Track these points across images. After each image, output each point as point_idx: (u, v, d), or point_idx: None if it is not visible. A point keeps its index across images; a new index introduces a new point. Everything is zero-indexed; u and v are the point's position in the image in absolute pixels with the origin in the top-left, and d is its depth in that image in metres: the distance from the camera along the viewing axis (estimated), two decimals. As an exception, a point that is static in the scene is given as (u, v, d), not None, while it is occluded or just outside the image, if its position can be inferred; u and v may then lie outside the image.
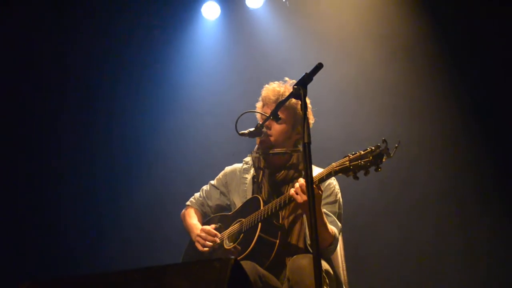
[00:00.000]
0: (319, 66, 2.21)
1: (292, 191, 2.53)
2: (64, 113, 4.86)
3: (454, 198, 4.16)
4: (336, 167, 2.41)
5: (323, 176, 2.48)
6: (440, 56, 4.39)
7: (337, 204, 2.84)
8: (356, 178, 2.31)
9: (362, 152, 2.28)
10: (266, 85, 3.04)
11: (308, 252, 2.64)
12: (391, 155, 2.20)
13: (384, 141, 2.21)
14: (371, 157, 2.23)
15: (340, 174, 2.40)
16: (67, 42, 4.87)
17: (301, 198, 2.48)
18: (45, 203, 4.66)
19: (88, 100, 4.94)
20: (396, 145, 2.18)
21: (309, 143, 2.12)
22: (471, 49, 4.31)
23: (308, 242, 2.68)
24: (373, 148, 2.25)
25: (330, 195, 2.84)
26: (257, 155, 2.99)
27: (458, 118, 4.29)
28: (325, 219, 2.64)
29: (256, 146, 3.03)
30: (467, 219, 4.08)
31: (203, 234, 2.95)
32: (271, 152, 2.91)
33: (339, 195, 2.90)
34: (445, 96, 4.34)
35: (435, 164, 4.28)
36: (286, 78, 3.01)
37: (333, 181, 2.89)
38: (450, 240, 4.09)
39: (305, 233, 2.77)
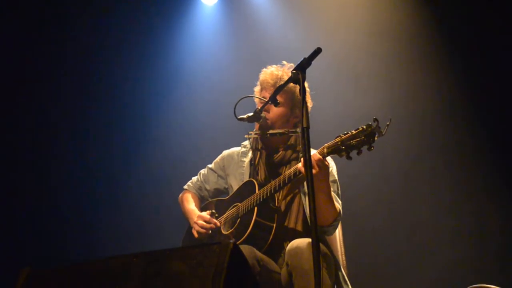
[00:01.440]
0: (317, 51, 2.20)
1: (299, 165, 2.52)
2: (60, 102, 4.81)
3: (451, 179, 4.14)
4: (328, 147, 2.42)
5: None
6: (441, 43, 4.36)
7: (336, 184, 2.84)
8: (349, 158, 2.32)
9: (354, 132, 2.29)
10: (264, 69, 3.03)
11: (307, 235, 2.63)
12: (383, 133, 2.21)
13: (375, 120, 2.22)
14: (363, 137, 2.24)
15: (333, 154, 2.41)
16: (63, 32, 4.81)
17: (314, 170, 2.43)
18: (43, 194, 4.62)
19: (85, 87, 4.88)
20: (388, 123, 2.20)
21: (308, 127, 2.12)
22: (472, 36, 4.26)
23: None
24: (364, 127, 2.26)
25: (329, 174, 2.81)
26: (255, 135, 2.99)
27: (458, 100, 4.26)
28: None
29: (255, 129, 3.02)
30: (463, 200, 4.08)
31: (200, 222, 2.95)
32: (268, 132, 2.90)
33: (337, 175, 2.89)
34: (444, 77, 4.32)
35: (434, 147, 4.26)
36: (284, 62, 2.99)
37: (330, 162, 2.89)
38: (444, 218, 4.09)
39: (304, 215, 2.77)
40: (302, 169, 2.49)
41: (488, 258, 3.88)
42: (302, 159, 2.51)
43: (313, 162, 2.43)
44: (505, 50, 4.12)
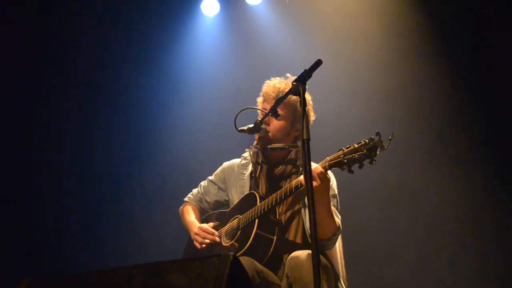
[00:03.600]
0: (318, 63, 2.21)
1: (301, 177, 2.52)
2: (63, 110, 4.85)
3: (455, 194, 4.15)
4: (330, 161, 2.42)
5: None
6: (445, 54, 4.39)
7: (335, 199, 2.84)
8: (350, 172, 2.32)
9: (356, 145, 2.29)
10: (267, 81, 3.04)
11: (307, 247, 2.62)
12: (385, 147, 2.22)
13: (378, 133, 2.22)
14: (365, 150, 2.24)
15: (335, 168, 2.41)
16: (65, 41, 4.87)
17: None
18: (44, 201, 4.64)
19: (88, 97, 4.92)
20: (390, 137, 2.20)
21: (308, 139, 2.12)
22: (471, 48, 4.30)
23: (309, 234, 2.64)
24: (366, 141, 2.26)
25: (329, 189, 2.81)
26: (256, 149, 2.99)
27: (456, 111, 4.29)
28: (332, 207, 2.64)
29: (255, 141, 3.02)
30: (468, 214, 4.09)
31: (201, 233, 2.95)
32: (269, 147, 2.91)
33: (337, 190, 2.89)
34: (443, 91, 4.34)
35: (433, 159, 4.28)
36: (288, 74, 2.99)
37: (331, 175, 2.88)
38: (447, 236, 4.10)
39: (303, 228, 2.77)
40: (303, 182, 2.48)
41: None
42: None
43: (315, 175, 2.44)
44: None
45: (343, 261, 3.00)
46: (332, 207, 2.67)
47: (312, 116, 3.01)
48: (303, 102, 2.19)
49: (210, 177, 3.29)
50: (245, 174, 3.09)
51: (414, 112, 4.40)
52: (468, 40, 4.31)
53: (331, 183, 2.81)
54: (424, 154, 4.31)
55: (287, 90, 2.81)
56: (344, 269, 2.96)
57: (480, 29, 4.27)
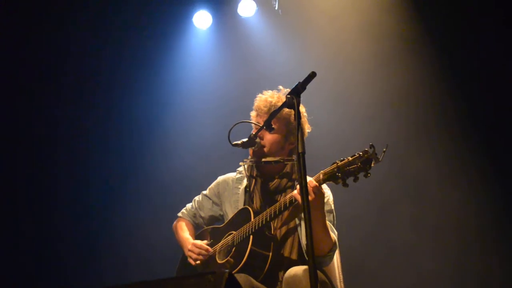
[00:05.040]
0: (312, 75, 2.22)
1: (295, 192, 2.53)
2: (58, 120, 4.90)
3: (455, 207, 4.17)
4: (324, 174, 2.42)
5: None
6: (435, 60, 4.45)
7: (332, 214, 2.83)
8: (345, 185, 2.31)
9: (350, 158, 2.29)
10: (260, 95, 3.05)
11: (302, 263, 2.63)
12: (380, 159, 2.22)
13: (372, 146, 2.23)
14: (359, 163, 2.24)
15: (329, 181, 2.41)
16: (60, 54, 4.92)
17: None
18: (37, 214, 4.68)
19: (82, 111, 4.96)
20: (384, 149, 2.20)
21: (304, 153, 2.12)
22: (467, 51, 4.36)
23: (305, 250, 2.65)
24: (361, 153, 2.26)
25: (325, 204, 2.79)
26: (250, 163, 2.99)
27: (454, 122, 4.33)
28: (327, 223, 2.63)
29: (250, 155, 3.02)
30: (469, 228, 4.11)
31: (194, 249, 2.95)
32: (263, 160, 2.91)
33: (333, 205, 2.88)
34: (440, 100, 4.40)
35: (435, 175, 4.30)
36: (280, 87, 3.01)
37: (327, 190, 2.88)
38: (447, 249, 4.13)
39: (299, 244, 2.76)
40: (298, 197, 2.49)
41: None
42: (298, 186, 2.50)
43: (309, 189, 2.43)
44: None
45: (341, 276, 2.99)
46: (328, 223, 2.66)
47: (308, 128, 3.02)
48: (298, 115, 2.19)
49: (204, 192, 3.29)
50: (239, 188, 3.09)
51: (411, 120, 4.43)
52: (464, 39, 4.35)
53: (326, 198, 2.82)
54: (425, 162, 4.32)
55: (279, 103, 2.87)
56: (343, 285, 2.96)
57: (474, 28, 4.32)
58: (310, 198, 2.43)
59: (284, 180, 2.94)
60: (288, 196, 2.62)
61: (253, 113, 3.08)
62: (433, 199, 4.25)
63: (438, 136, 4.37)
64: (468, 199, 4.14)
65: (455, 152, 4.28)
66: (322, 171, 2.45)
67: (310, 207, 2.26)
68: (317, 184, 2.47)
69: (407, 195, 4.29)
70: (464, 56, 4.35)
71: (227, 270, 1.87)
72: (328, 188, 2.92)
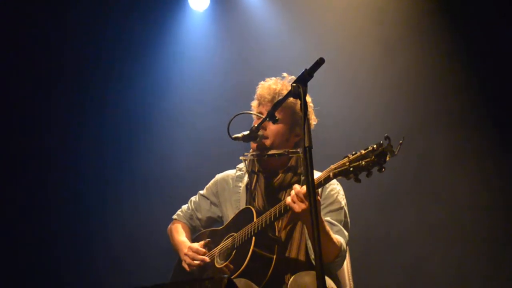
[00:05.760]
0: (320, 62, 2.12)
1: (288, 199, 2.44)
2: (52, 112, 4.88)
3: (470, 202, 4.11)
4: (334, 169, 2.30)
5: (321, 181, 2.38)
6: (451, 50, 4.38)
7: (342, 212, 2.76)
8: (357, 180, 2.20)
9: (363, 152, 2.17)
10: (262, 82, 2.96)
11: (310, 266, 2.57)
12: (396, 153, 2.09)
13: (387, 137, 2.10)
14: (373, 157, 2.12)
15: (340, 177, 2.31)
16: (53, 38, 4.91)
17: (299, 206, 2.37)
18: (31, 215, 4.68)
19: (75, 104, 4.94)
20: (400, 141, 2.08)
21: (310, 147, 2.03)
22: (480, 39, 4.30)
23: (312, 256, 2.60)
24: (375, 146, 2.14)
25: (334, 202, 2.76)
26: (252, 157, 2.91)
27: (467, 109, 4.28)
28: (328, 228, 2.55)
29: (251, 149, 2.93)
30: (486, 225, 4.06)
31: (190, 253, 2.88)
32: (266, 153, 2.83)
33: (344, 201, 2.81)
34: (452, 88, 4.34)
35: (448, 169, 4.23)
36: (284, 74, 2.93)
37: (336, 186, 2.82)
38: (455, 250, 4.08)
39: (306, 245, 2.69)
40: (292, 205, 2.40)
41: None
42: (292, 191, 2.43)
43: (302, 197, 2.36)
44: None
45: (351, 282, 2.93)
46: (336, 226, 2.62)
47: (314, 120, 2.94)
48: (304, 106, 2.10)
49: (201, 192, 3.22)
50: (240, 186, 3.01)
51: (425, 110, 4.36)
52: (478, 21, 4.30)
53: (335, 194, 2.77)
54: (442, 153, 4.28)
55: (284, 91, 2.80)
56: (353, 290, 2.89)
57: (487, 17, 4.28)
58: (304, 206, 2.36)
59: (289, 175, 2.86)
60: (283, 202, 2.53)
61: (254, 103, 2.99)
62: (444, 191, 4.20)
63: (453, 125, 4.31)
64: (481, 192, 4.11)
65: (469, 142, 4.23)
66: (332, 166, 2.33)
67: (306, 216, 2.24)
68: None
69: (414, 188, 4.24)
70: (479, 39, 4.28)
71: (226, 276, 1.83)
72: (338, 183, 2.84)
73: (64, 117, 4.89)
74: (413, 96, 4.41)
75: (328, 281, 2.54)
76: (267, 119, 2.62)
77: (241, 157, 2.99)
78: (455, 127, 4.29)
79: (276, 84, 2.91)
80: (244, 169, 3.04)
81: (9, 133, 4.75)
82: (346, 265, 2.96)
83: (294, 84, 2.18)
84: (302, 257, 2.70)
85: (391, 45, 4.50)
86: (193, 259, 2.87)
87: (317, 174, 2.67)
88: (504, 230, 4.02)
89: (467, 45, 4.34)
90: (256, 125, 2.79)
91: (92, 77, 4.92)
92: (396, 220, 4.20)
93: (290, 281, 2.48)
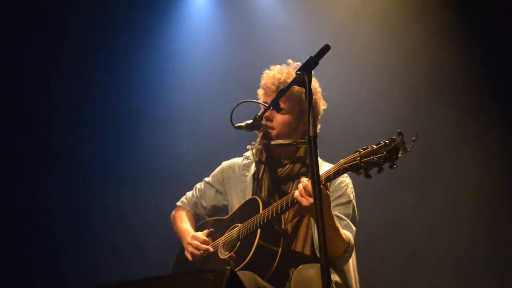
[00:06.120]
0: (325, 48, 2.09)
1: (296, 192, 2.43)
2: (53, 102, 4.91)
3: (484, 200, 4.07)
4: (344, 164, 2.31)
5: (330, 175, 2.38)
6: (459, 32, 4.35)
7: (351, 206, 2.74)
8: (368, 176, 2.20)
9: (375, 147, 2.18)
10: (267, 71, 2.94)
11: (316, 260, 2.54)
12: (408, 149, 2.11)
13: (400, 133, 2.11)
14: (385, 152, 2.13)
15: (350, 172, 2.31)
16: (52, 29, 4.93)
17: (307, 200, 2.37)
18: (31, 207, 4.72)
19: (77, 90, 4.95)
20: (414, 137, 2.08)
21: (315, 137, 2.02)
22: (482, 13, 4.26)
23: (317, 248, 2.58)
24: (387, 141, 2.15)
25: (342, 195, 2.74)
26: (259, 147, 2.90)
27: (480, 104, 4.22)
28: (337, 223, 2.54)
29: (258, 138, 2.93)
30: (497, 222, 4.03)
31: (194, 242, 2.87)
32: (274, 143, 2.82)
33: (353, 195, 2.79)
34: (470, 77, 4.29)
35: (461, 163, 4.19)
36: (290, 61, 2.90)
37: (345, 179, 2.79)
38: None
39: (312, 239, 2.68)
40: (299, 198, 2.40)
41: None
42: (300, 185, 2.43)
43: (310, 190, 2.35)
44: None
45: (357, 276, 2.91)
46: (344, 221, 2.61)
47: (323, 105, 2.91)
48: (309, 94, 2.08)
49: (207, 179, 3.21)
50: (247, 175, 3.00)
51: (441, 102, 4.32)
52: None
53: (344, 187, 2.76)
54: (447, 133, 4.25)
55: (289, 79, 2.76)
56: (358, 285, 2.89)
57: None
58: (311, 200, 2.34)
59: (297, 166, 2.84)
60: (290, 194, 2.53)
61: (260, 92, 2.96)
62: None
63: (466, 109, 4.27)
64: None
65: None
66: (342, 160, 2.34)
67: (310, 211, 2.25)
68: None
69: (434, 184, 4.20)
70: (486, 17, 4.24)
71: (229, 268, 1.82)
72: (347, 176, 2.82)
73: (66, 107, 4.90)
74: (433, 85, 4.37)
75: (333, 273, 2.54)
76: (271, 108, 2.62)
77: (248, 146, 2.98)
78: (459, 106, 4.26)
79: (281, 73, 2.88)
80: (252, 158, 3.03)
81: (9, 126, 4.78)
82: (351, 259, 2.92)
83: (299, 72, 2.14)
84: (307, 251, 2.70)
85: (395, 27, 4.47)
86: (197, 248, 2.86)
87: (325, 165, 2.69)
88: (509, 214, 3.99)
89: (470, 22, 4.30)
90: (260, 114, 2.78)
91: (93, 65, 4.93)
92: (399, 205, 4.18)
93: (294, 273, 2.48)
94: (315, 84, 2.83)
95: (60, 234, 4.66)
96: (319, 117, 2.92)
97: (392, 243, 4.14)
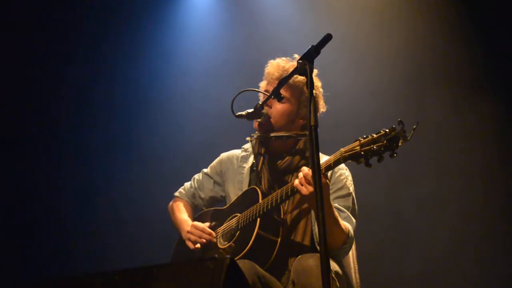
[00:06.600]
0: (327, 38, 2.11)
1: (296, 181, 2.44)
2: (55, 105, 4.99)
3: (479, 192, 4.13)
4: (345, 152, 2.31)
5: (330, 164, 2.38)
6: (462, 24, 4.40)
7: (350, 198, 2.75)
8: (368, 165, 2.19)
9: (375, 136, 2.18)
10: (271, 60, 2.95)
11: (315, 251, 2.56)
12: (408, 138, 2.10)
13: (400, 122, 2.10)
14: (385, 141, 2.13)
15: (350, 161, 2.31)
16: (53, 28, 5.02)
17: (307, 189, 2.39)
18: (36, 201, 4.79)
19: (84, 76, 5.05)
20: (414, 126, 2.08)
21: (316, 126, 2.02)
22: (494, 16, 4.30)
23: (317, 240, 2.59)
24: (387, 130, 2.15)
25: (342, 187, 2.75)
26: (259, 138, 2.91)
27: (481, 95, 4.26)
28: (337, 214, 2.55)
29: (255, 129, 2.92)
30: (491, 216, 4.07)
31: (196, 231, 2.88)
32: (273, 135, 2.82)
33: (353, 187, 2.80)
34: (467, 70, 4.34)
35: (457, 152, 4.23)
36: (296, 55, 2.88)
37: (345, 171, 2.80)
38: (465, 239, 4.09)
39: (312, 230, 2.68)
40: (299, 187, 2.42)
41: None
42: (300, 174, 2.44)
43: (310, 179, 2.37)
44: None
45: (356, 266, 2.93)
46: (337, 214, 2.60)
47: (322, 107, 2.92)
48: (311, 83, 2.08)
49: (205, 170, 3.21)
50: (244, 167, 3.01)
51: (442, 93, 4.36)
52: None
53: (344, 180, 2.76)
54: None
55: (291, 69, 2.69)
56: (357, 275, 2.90)
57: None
58: (311, 188, 2.37)
59: (297, 158, 2.85)
60: (290, 184, 2.53)
61: (263, 83, 2.97)
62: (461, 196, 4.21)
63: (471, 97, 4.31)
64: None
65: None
66: (342, 149, 2.34)
67: (311, 200, 2.25)
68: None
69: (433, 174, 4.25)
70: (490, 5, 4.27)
71: (228, 256, 1.84)
72: (347, 169, 2.82)
73: (72, 90, 5.00)
74: (434, 75, 4.43)
75: (332, 263, 2.53)
76: (272, 96, 2.63)
77: (248, 138, 2.98)
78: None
79: (285, 62, 2.90)
80: (250, 150, 3.04)
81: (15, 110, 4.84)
82: (351, 250, 2.92)
83: (300, 61, 2.15)
84: (307, 242, 2.71)
85: (407, 18, 4.54)
86: (200, 237, 2.86)
87: (323, 157, 2.67)
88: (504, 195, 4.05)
89: (469, 11, 4.36)
90: (261, 103, 2.79)
91: (100, 52, 5.01)
92: (396, 191, 4.24)
93: (294, 263, 2.48)
94: (317, 82, 2.85)
95: (68, 220, 4.77)
96: (318, 114, 2.90)
97: (391, 232, 4.22)
